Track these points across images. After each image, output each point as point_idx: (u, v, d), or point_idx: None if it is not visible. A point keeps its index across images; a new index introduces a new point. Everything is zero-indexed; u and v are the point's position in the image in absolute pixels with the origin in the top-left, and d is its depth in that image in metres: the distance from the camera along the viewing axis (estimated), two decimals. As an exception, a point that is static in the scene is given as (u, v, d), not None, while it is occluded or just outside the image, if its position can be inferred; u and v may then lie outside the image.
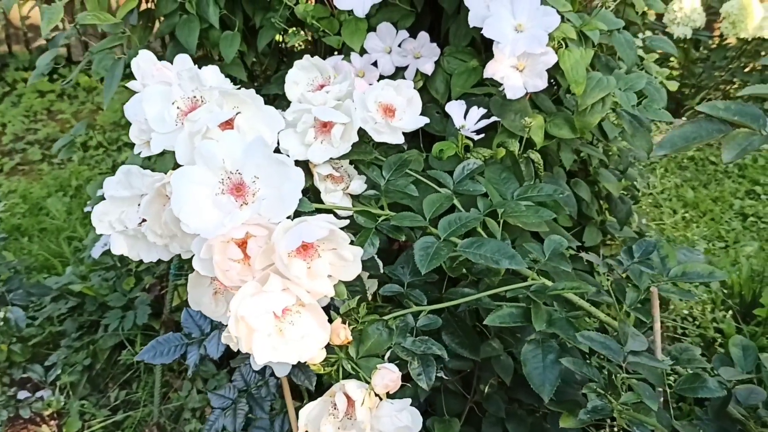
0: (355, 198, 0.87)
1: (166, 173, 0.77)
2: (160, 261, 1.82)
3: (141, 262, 1.97)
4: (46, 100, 4.05)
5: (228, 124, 0.72)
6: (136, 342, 1.99)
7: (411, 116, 0.83)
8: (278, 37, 1.40)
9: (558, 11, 0.98)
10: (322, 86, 0.88)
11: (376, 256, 0.94)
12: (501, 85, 1.08)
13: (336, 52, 1.22)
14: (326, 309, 0.86)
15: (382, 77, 1.16)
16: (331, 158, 0.81)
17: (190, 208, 0.66)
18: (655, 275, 0.89)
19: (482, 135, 0.94)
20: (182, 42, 1.32)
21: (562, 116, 1.07)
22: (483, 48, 1.19)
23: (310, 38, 1.25)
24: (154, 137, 0.74)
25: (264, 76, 1.53)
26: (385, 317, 0.80)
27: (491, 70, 0.98)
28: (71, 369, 1.98)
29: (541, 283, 0.88)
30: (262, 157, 0.67)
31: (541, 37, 0.92)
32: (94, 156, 3.32)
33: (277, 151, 0.82)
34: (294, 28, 1.24)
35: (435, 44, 1.14)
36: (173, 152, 0.75)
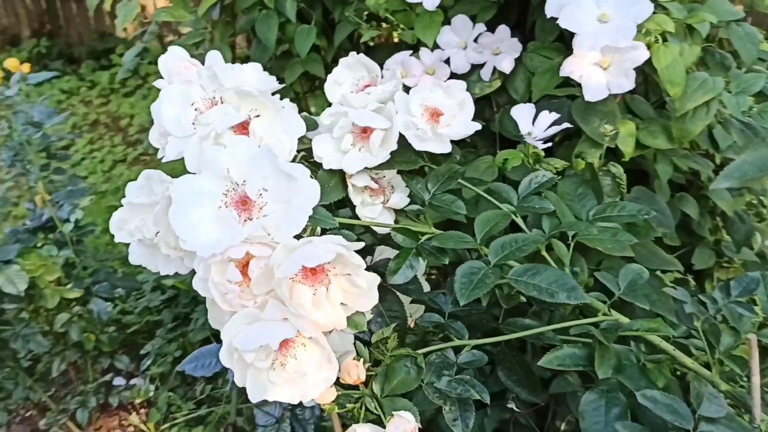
0: (400, 213, 0.77)
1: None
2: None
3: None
4: (171, 95, 4.20)
5: (245, 129, 0.65)
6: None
7: (461, 122, 0.73)
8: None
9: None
10: (368, 86, 0.79)
11: (422, 279, 0.84)
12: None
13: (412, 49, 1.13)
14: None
15: (454, 75, 1.05)
16: (366, 167, 0.72)
17: (188, 221, 0.59)
18: (755, 319, 0.73)
19: (549, 144, 0.82)
20: (261, 38, 1.28)
21: (658, 123, 0.92)
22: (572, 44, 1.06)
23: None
24: (170, 141, 0.68)
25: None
26: (418, 352, 0.70)
27: (569, 68, 0.85)
28: (162, 360, 2.01)
29: (613, 320, 0.75)
30: (269, 168, 0.59)
31: (628, 29, 0.79)
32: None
33: (308, 158, 0.75)
34: (370, 23, 1.16)
35: (516, 39, 1.02)
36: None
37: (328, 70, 1.38)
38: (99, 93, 4.04)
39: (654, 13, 0.82)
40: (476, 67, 1.05)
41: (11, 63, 1.77)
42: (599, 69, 0.84)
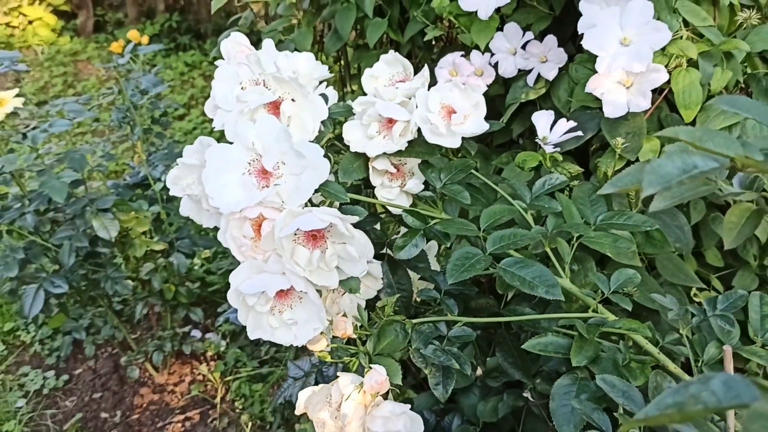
0: (417, 197, 0.86)
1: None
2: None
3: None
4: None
5: (277, 109, 0.76)
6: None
7: (474, 121, 0.80)
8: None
9: (692, 25, 0.88)
10: (401, 81, 0.88)
11: (433, 259, 0.92)
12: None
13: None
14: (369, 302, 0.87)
15: (502, 78, 1.12)
16: (385, 153, 0.81)
17: (217, 183, 0.70)
18: (731, 334, 0.77)
19: (557, 149, 0.88)
20: (338, 28, 1.39)
21: (681, 145, 0.96)
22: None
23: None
24: (218, 114, 0.79)
25: (418, 67, 1.54)
26: (412, 321, 0.78)
27: (593, 84, 0.90)
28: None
29: (601, 317, 0.81)
30: (286, 145, 0.69)
31: (645, 54, 0.83)
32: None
33: (339, 139, 0.85)
34: (436, 24, 1.24)
35: (562, 50, 1.08)
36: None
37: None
38: (218, 68, 4.29)
39: (680, 38, 0.86)
40: (523, 73, 1.11)
41: (132, 34, 1.97)
42: (622, 87, 0.89)
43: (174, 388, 2.02)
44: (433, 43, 1.48)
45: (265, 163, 0.70)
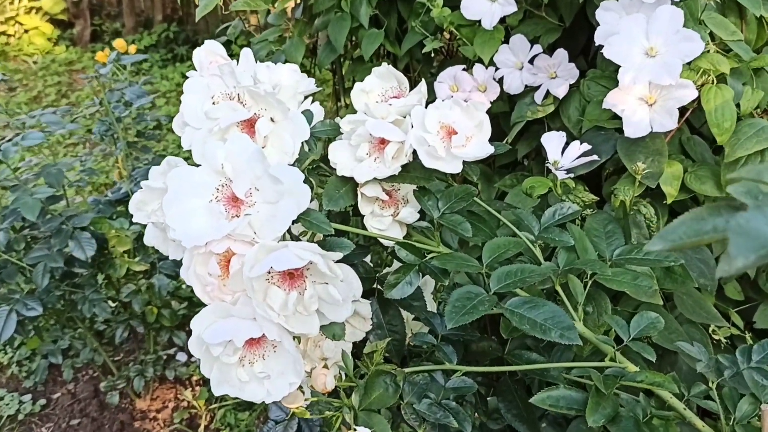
0: (411, 227, 0.76)
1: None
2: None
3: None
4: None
5: (252, 127, 0.66)
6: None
7: (477, 143, 0.71)
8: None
9: (719, 38, 0.79)
10: (395, 97, 0.79)
11: (429, 297, 0.83)
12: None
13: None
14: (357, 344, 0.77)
15: (506, 95, 1.03)
16: (376, 178, 0.72)
17: (179, 211, 0.61)
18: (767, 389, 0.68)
19: (571, 175, 0.79)
20: (332, 39, 1.30)
21: (708, 168, 0.86)
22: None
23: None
24: (186, 131, 0.70)
25: (415, 81, 1.45)
26: (404, 370, 0.69)
27: (613, 100, 0.81)
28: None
29: (620, 367, 0.71)
30: (260, 169, 0.60)
31: (674, 67, 0.74)
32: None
33: (324, 161, 0.75)
34: (435, 35, 1.15)
35: (573, 65, 0.99)
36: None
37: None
38: (214, 80, 4.21)
39: (708, 51, 0.77)
40: (530, 89, 1.02)
41: (119, 44, 1.88)
42: (644, 104, 0.80)
43: (156, 415, 1.92)
44: (433, 56, 1.40)
45: (236, 189, 0.60)
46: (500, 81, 1.02)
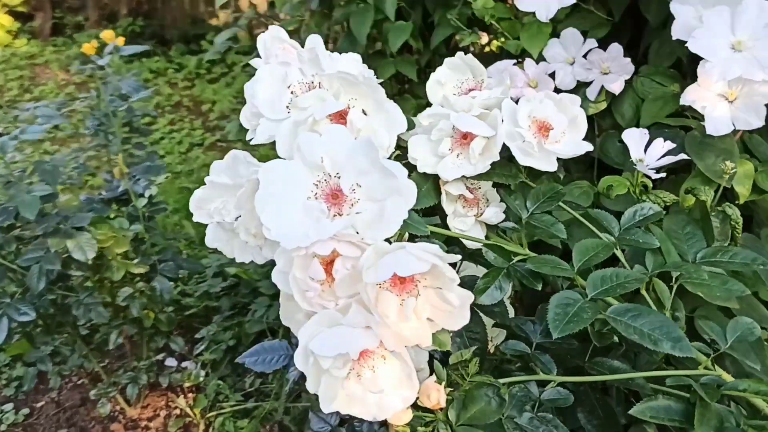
0: (491, 228, 0.72)
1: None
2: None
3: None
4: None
5: (342, 119, 0.61)
6: (278, 332, 1.97)
7: (571, 140, 0.67)
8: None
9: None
10: (471, 90, 0.74)
11: (508, 302, 0.78)
12: (703, 117, 0.88)
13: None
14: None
15: (558, 91, 1.00)
16: (464, 176, 0.67)
17: (275, 209, 0.55)
18: None
19: (662, 175, 0.75)
20: (354, 31, 1.25)
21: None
22: (690, 72, 0.99)
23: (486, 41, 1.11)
24: (262, 123, 0.64)
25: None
26: (501, 381, 0.64)
27: (692, 97, 0.78)
28: (216, 347, 2.00)
29: (716, 375, 0.68)
30: (367, 162, 0.55)
31: (765, 61, 0.72)
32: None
33: (401, 159, 0.70)
34: (473, 28, 1.11)
35: (628, 60, 0.96)
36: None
37: (420, 73, 1.34)
38: (185, 76, 4.11)
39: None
40: (582, 85, 0.99)
41: (107, 35, 1.79)
42: (725, 101, 0.77)
43: (148, 424, 1.83)
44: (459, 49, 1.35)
45: (341, 184, 0.55)
46: (551, 76, 0.98)
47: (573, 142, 0.67)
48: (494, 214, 0.70)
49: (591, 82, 0.97)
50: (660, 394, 0.68)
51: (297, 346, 0.54)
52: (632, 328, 0.62)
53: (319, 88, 0.64)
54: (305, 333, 0.53)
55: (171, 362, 2.00)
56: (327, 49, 1.39)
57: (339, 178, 0.56)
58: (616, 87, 0.95)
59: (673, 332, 0.61)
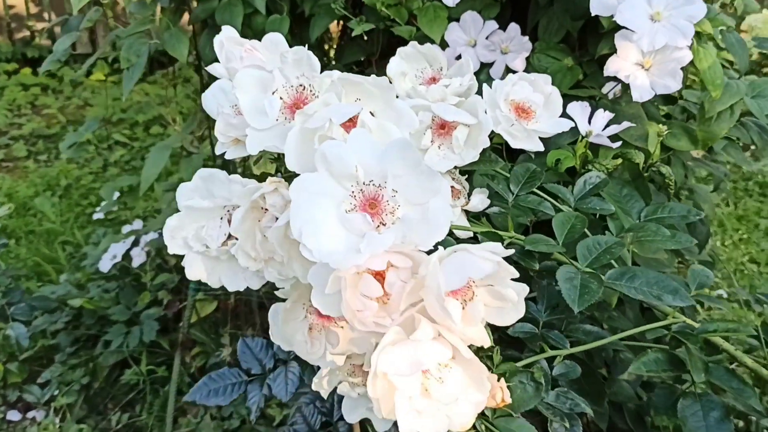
0: (472, 217, 0.72)
1: (260, 178, 0.62)
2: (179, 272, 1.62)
3: (156, 272, 1.83)
4: (30, 94, 3.86)
5: (350, 123, 0.57)
6: (141, 360, 1.81)
7: (549, 118, 0.69)
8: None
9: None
10: (433, 79, 0.73)
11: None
12: (603, 86, 0.95)
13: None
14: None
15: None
16: (456, 167, 0.66)
17: (313, 229, 0.50)
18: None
19: (619, 143, 0.80)
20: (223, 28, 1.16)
21: (679, 126, 0.93)
22: (577, 45, 1.05)
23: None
24: (250, 134, 0.58)
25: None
26: (518, 365, 0.64)
27: (614, 67, 0.83)
28: (67, 388, 1.80)
29: (685, 323, 0.74)
30: (404, 165, 0.51)
31: (686, 29, 0.78)
32: (83, 154, 3.09)
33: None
34: (360, 16, 1.09)
35: (527, 38, 1.00)
36: (270, 153, 0.61)
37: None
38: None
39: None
40: (485, 66, 1.01)
41: None
42: (641, 69, 0.83)
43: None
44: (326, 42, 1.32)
45: (382, 192, 0.51)
46: (457, 60, 0.99)
47: (552, 120, 0.68)
48: (480, 201, 0.69)
49: (493, 63, 1.00)
50: (647, 350, 0.73)
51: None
52: (633, 289, 0.65)
53: (310, 90, 0.59)
54: (376, 357, 0.49)
55: (14, 416, 1.77)
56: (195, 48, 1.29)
57: (376, 185, 0.52)
58: (518, 65, 0.99)
59: (669, 285, 0.66)
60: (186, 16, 1.30)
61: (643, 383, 1.04)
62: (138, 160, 3.17)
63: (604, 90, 0.97)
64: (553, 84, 0.96)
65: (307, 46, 1.19)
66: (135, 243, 1.83)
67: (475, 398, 0.53)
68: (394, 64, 0.74)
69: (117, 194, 1.89)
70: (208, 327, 1.73)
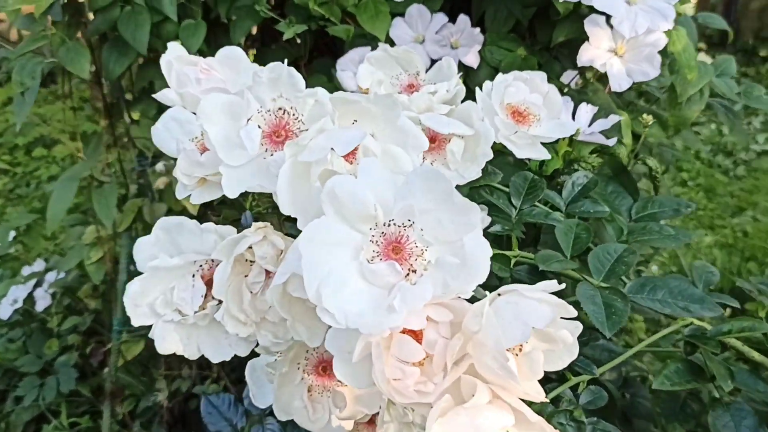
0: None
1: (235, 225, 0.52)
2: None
3: (64, 314, 1.64)
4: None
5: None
6: (60, 412, 1.63)
7: (550, 119, 0.61)
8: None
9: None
10: (411, 86, 0.64)
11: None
12: (560, 76, 0.89)
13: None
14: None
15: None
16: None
17: (334, 286, 0.41)
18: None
19: (614, 140, 0.74)
20: (128, 39, 1.03)
21: (648, 113, 0.89)
22: (528, 34, 0.99)
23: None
24: (225, 173, 0.47)
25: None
26: (544, 399, 0.57)
27: (588, 56, 0.77)
28: (-26, 455, 1.60)
29: (699, 325, 0.69)
30: (432, 198, 0.43)
31: (666, 11, 0.73)
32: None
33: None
34: (289, 18, 0.98)
35: (478, 30, 0.93)
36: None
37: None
38: None
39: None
40: (434, 63, 0.93)
41: None
42: (615, 56, 0.78)
43: None
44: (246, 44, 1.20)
45: (408, 233, 0.42)
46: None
47: (554, 122, 0.61)
48: (482, 219, 0.61)
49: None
50: (667, 362, 0.67)
51: None
52: (658, 302, 0.60)
53: (293, 113, 0.49)
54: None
55: None
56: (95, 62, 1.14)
57: (396, 225, 0.43)
58: (472, 59, 0.91)
59: (694, 294, 0.61)
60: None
61: (624, 382, 1.01)
62: (23, 187, 2.91)
63: (562, 81, 0.91)
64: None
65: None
66: (38, 284, 1.64)
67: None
68: (365, 72, 0.65)
69: (13, 234, 1.69)
70: (135, 369, 1.57)
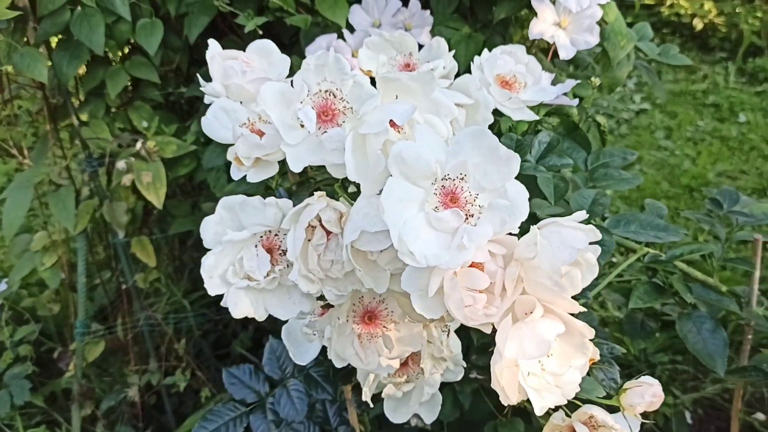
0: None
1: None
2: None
3: (14, 326, 1.61)
4: None
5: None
6: (14, 425, 1.60)
7: (532, 86, 0.71)
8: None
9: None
10: (407, 65, 0.72)
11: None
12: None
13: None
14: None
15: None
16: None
17: (413, 233, 0.49)
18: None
19: (576, 101, 0.84)
20: (85, 41, 1.05)
21: (581, 75, 1.00)
22: (469, 13, 1.09)
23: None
24: (288, 151, 0.54)
25: (176, 77, 1.27)
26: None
27: (538, 30, 0.88)
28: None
29: (656, 253, 0.81)
30: (481, 153, 0.51)
31: (608, -17, 0.84)
32: None
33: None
34: (247, 11, 1.03)
35: (427, 12, 1.01)
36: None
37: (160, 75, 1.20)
38: None
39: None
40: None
41: None
42: (560, 29, 0.89)
43: None
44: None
45: (461, 184, 0.51)
46: (368, 42, 0.98)
47: (537, 87, 0.71)
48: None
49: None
50: (635, 283, 0.79)
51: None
52: (633, 233, 0.71)
53: (340, 94, 0.56)
54: (509, 347, 0.49)
55: None
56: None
57: (453, 178, 0.51)
58: (425, 38, 1.00)
59: (659, 224, 0.72)
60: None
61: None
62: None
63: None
64: (457, 54, 0.99)
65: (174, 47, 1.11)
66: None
67: (579, 363, 0.54)
68: (366, 56, 0.72)
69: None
70: (91, 371, 1.57)
